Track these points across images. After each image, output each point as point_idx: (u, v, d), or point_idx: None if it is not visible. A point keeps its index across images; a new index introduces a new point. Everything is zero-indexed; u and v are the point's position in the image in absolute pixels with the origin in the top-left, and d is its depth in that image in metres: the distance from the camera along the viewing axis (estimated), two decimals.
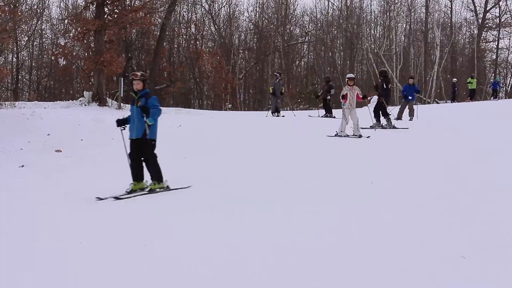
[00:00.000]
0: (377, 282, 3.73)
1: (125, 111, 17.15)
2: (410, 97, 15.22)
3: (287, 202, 5.96)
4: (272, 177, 7.31)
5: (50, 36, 34.81)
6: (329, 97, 16.04)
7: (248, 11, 53.93)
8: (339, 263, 4.09)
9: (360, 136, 10.62)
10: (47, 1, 35.29)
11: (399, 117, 14.82)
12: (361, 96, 11.09)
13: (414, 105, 15.26)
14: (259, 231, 4.93)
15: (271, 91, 16.90)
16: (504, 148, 8.90)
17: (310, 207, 5.70)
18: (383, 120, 12.96)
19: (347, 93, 10.85)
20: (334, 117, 15.58)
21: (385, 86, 13.17)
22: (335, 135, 10.88)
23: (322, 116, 16.01)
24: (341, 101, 11.14)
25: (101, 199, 6.35)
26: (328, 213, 5.47)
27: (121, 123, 6.95)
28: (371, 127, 12.58)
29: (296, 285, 3.70)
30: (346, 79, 11.35)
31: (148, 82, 7.31)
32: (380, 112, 12.98)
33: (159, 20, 29.08)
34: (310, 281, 3.76)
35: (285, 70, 35.18)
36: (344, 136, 10.68)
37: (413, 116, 14.93)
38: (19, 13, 19.86)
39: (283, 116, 16.36)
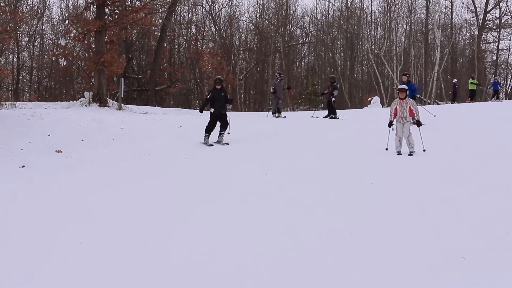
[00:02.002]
0: (381, 283, 3.73)
1: (126, 112, 17.15)
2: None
3: (287, 203, 5.95)
4: (272, 177, 7.31)
5: (50, 36, 34.81)
6: (333, 98, 15.91)
7: (248, 12, 54.06)
8: (341, 263, 4.09)
9: (411, 153, 9.14)
10: (48, 1, 35.28)
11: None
12: (414, 112, 9.38)
13: (417, 106, 14.54)
14: (258, 230, 4.93)
15: (271, 90, 16.87)
16: (504, 149, 8.89)
17: (310, 207, 5.70)
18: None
19: (396, 107, 9.29)
20: (338, 118, 15.53)
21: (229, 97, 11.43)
22: (398, 154, 9.24)
23: (324, 117, 15.98)
24: (390, 115, 9.48)
25: None
26: (328, 214, 5.47)
27: None
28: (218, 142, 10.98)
29: (296, 285, 3.70)
30: (397, 91, 9.64)
31: None
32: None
33: (160, 20, 29.11)
34: (310, 281, 3.76)
35: (286, 70, 35.18)
36: (398, 154, 9.20)
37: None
38: (20, 14, 19.84)
39: (285, 116, 16.33)
